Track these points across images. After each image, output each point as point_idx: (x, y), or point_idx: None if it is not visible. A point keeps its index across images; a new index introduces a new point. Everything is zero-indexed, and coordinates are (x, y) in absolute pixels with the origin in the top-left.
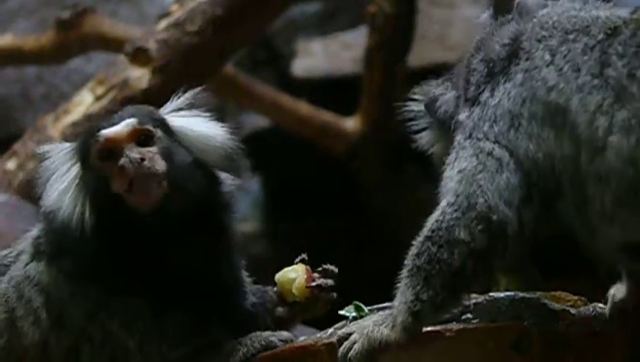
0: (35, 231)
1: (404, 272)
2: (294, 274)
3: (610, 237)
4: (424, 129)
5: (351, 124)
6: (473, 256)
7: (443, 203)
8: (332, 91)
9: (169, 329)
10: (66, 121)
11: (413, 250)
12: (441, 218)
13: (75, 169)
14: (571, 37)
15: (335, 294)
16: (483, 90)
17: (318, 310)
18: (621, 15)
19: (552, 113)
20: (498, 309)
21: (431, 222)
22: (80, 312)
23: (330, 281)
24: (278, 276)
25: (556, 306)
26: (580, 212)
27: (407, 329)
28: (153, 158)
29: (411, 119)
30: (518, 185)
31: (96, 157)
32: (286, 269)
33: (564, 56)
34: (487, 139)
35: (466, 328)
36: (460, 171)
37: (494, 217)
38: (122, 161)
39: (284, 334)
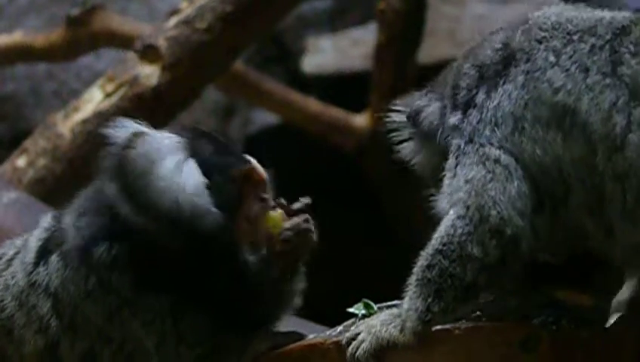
0: (36, 235)
1: (414, 280)
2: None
3: (630, 235)
4: (407, 140)
5: (361, 120)
6: (486, 270)
7: (452, 215)
8: (342, 88)
9: (187, 329)
10: (76, 118)
11: (422, 262)
12: (452, 231)
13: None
14: (575, 37)
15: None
16: (477, 93)
17: (303, 246)
18: (625, 15)
19: (559, 115)
20: (507, 307)
21: (441, 234)
22: (98, 311)
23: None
24: None
25: (564, 305)
26: (593, 214)
27: (416, 334)
28: None
29: (393, 130)
30: (529, 193)
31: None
32: None
33: (570, 57)
34: (492, 144)
35: (475, 326)
36: (467, 181)
37: (508, 231)
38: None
39: (294, 333)
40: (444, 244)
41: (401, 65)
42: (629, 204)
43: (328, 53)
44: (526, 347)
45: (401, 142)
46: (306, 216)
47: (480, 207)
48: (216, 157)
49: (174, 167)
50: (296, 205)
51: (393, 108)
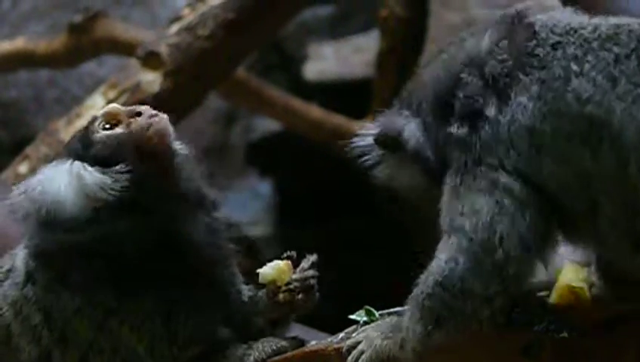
0: (23, 254)
1: (415, 304)
2: (276, 265)
3: None
4: (377, 163)
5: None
6: (487, 303)
7: (453, 246)
8: (343, 95)
9: (179, 330)
10: (78, 125)
11: (423, 288)
12: (452, 265)
13: (75, 164)
14: (595, 45)
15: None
16: (484, 103)
17: (306, 301)
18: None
19: (587, 127)
20: (509, 314)
21: (441, 266)
22: (87, 325)
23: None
24: (261, 270)
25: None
26: (618, 228)
27: (415, 353)
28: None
29: (361, 155)
30: (539, 222)
31: (102, 128)
32: (269, 264)
33: (594, 66)
34: (504, 168)
35: (477, 334)
36: (474, 212)
37: (511, 270)
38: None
39: (296, 339)
40: (444, 277)
41: (403, 72)
42: None
43: (330, 60)
44: (528, 354)
45: (372, 166)
46: (314, 272)
47: (485, 242)
48: (78, 142)
49: (65, 182)
50: (305, 262)
51: (357, 133)
